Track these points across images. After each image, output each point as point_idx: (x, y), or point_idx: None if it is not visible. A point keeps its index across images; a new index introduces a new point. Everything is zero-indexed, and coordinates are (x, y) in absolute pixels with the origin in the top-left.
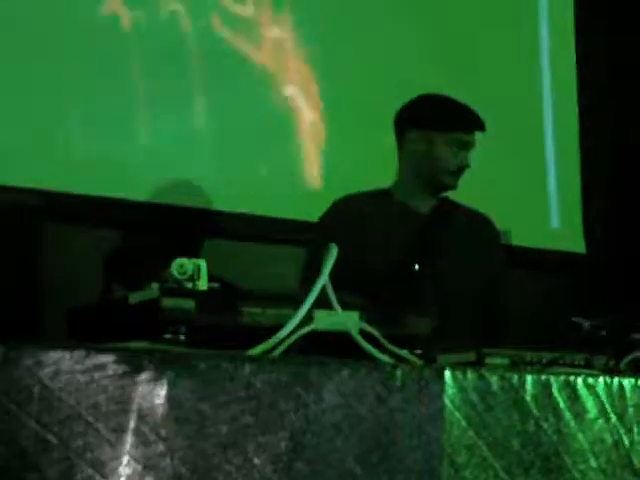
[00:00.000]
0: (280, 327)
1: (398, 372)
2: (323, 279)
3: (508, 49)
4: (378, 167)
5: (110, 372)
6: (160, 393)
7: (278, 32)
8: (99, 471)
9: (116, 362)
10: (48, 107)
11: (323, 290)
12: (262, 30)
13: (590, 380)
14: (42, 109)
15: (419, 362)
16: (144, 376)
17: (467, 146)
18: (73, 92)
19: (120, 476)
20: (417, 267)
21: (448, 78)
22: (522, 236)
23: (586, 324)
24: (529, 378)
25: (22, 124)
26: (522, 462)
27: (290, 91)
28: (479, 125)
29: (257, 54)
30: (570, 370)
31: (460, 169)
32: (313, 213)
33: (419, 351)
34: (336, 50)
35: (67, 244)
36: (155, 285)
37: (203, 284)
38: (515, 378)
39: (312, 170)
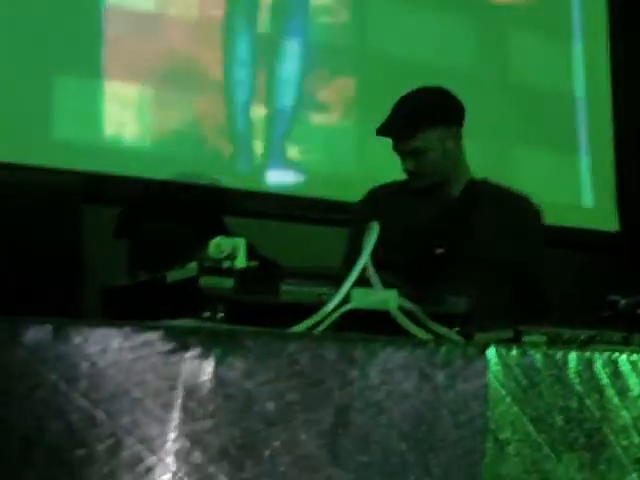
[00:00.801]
0: (318, 305)
1: (442, 349)
2: (365, 257)
3: (541, 29)
4: None
5: (158, 349)
6: (207, 370)
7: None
8: (147, 447)
9: (163, 339)
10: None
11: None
12: None
13: (634, 357)
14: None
15: (458, 339)
16: (191, 353)
17: (403, 153)
18: None
19: (168, 452)
20: (440, 251)
21: (481, 61)
22: (555, 215)
23: (622, 302)
24: (572, 355)
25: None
26: (565, 438)
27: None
28: (392, 133)
29: None
30: (613, 347)
31: (410, 174)
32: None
33: (456, 329)
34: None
35: (102, 224)
36: (194, 264)
37: (241, 262)
38: (559, 354)
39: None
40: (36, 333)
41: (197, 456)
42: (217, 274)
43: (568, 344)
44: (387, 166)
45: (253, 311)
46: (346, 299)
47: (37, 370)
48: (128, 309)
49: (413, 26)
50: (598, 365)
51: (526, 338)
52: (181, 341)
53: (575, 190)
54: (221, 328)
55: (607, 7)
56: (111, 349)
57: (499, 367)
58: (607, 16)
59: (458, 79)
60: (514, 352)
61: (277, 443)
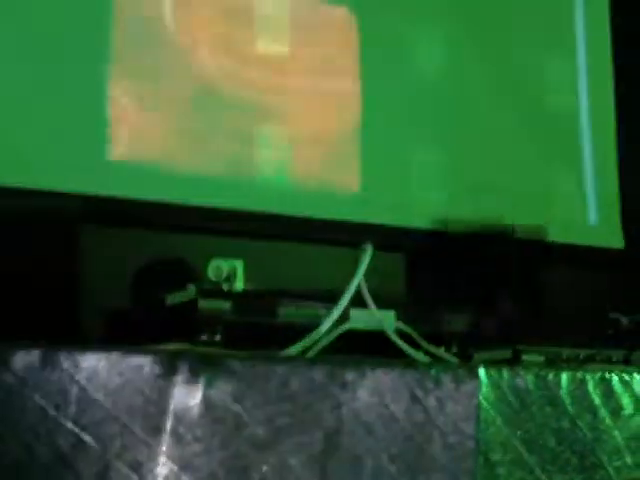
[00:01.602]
0: (317, 326)
1: (433, 371)
2: (358, 278)
3: (543, 39)
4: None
5: (146, 374)
6: (196, 394)
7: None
8: (136, 472)
9: (152, 364)
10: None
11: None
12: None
13: (626, 376)
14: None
15: (454, 360)
16: (180, 377)
17: None
18: None
19: (157, 476)
20: None
21: (483, 72)
22: (560, 233)
23: (624, 320)
24: (564, 375)
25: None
26: (557, 459)
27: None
28: None
29: None
30: (606, 367)
31: None
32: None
33: (455, 349)
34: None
35: (103, 247)
36: (192, 287)
37: (239, 285)
38: (550, 375)
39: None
40: (24, 358)
41: None
42: (215, 297)
43: (567, 363)
44: (391, 185)
45: (251, 333)
46: (345, 320)
47: (25, 395)
48: (129, 332)
49: (415, 41)
50: (590, 385)
51: (525, 358)
52: (170, 365)
53: (580, 208)
54: (210, 352)
55: (610, 21)
56: (100, 374)
57: (489, 388)
58: (610, 30)
59: (461, 95)
60: (505, 373)
61: (267, 467)
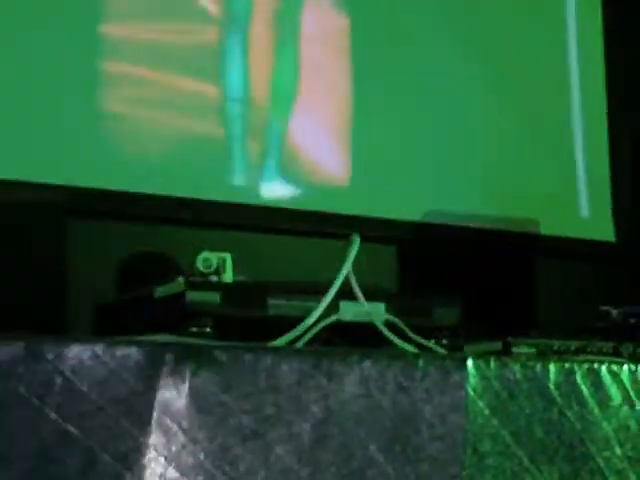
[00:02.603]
0: (306, 319)
1: (420, 362)
2: (345, 270)
3: (534, 38)
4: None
5: (131, 365)
6: (182, 385)
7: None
8: (121, 463)
9: (137, 355)
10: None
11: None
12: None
13: (614, 367)
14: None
15: (441, 351)
16: (165, 368)
17: None
18: None
19: (142, 468)
20: None
21: (474, 66)
22: (551, 225)
23: (614, 312)
24: (552, 366)
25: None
26: (546, 450)
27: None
28: None
29: None
30: (594, 358)
31: None
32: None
33: (445, 341)
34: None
35: (91, 240)
36: (181, 279)
37: (228, 277)
38: (538, 366)
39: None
40: (8, 350)
41: (172, 472)
42: (204, 289)
43: (558, 355)
44: (384, 178)
45: (241, 325)
46: (334, 312)
47: (10, 387)
48: (119, 325)
49: (410, 36)
50: (579, 376)
51: (515, 350)
52: (155, 356)
53: (571, 200)
54: (196, 343)
55: (602, 20)
56: (85, 365)
57: (477, 379)
58: (602, 28)
59: (454, 89)
60: (492, 364)
61: (254, 458)
